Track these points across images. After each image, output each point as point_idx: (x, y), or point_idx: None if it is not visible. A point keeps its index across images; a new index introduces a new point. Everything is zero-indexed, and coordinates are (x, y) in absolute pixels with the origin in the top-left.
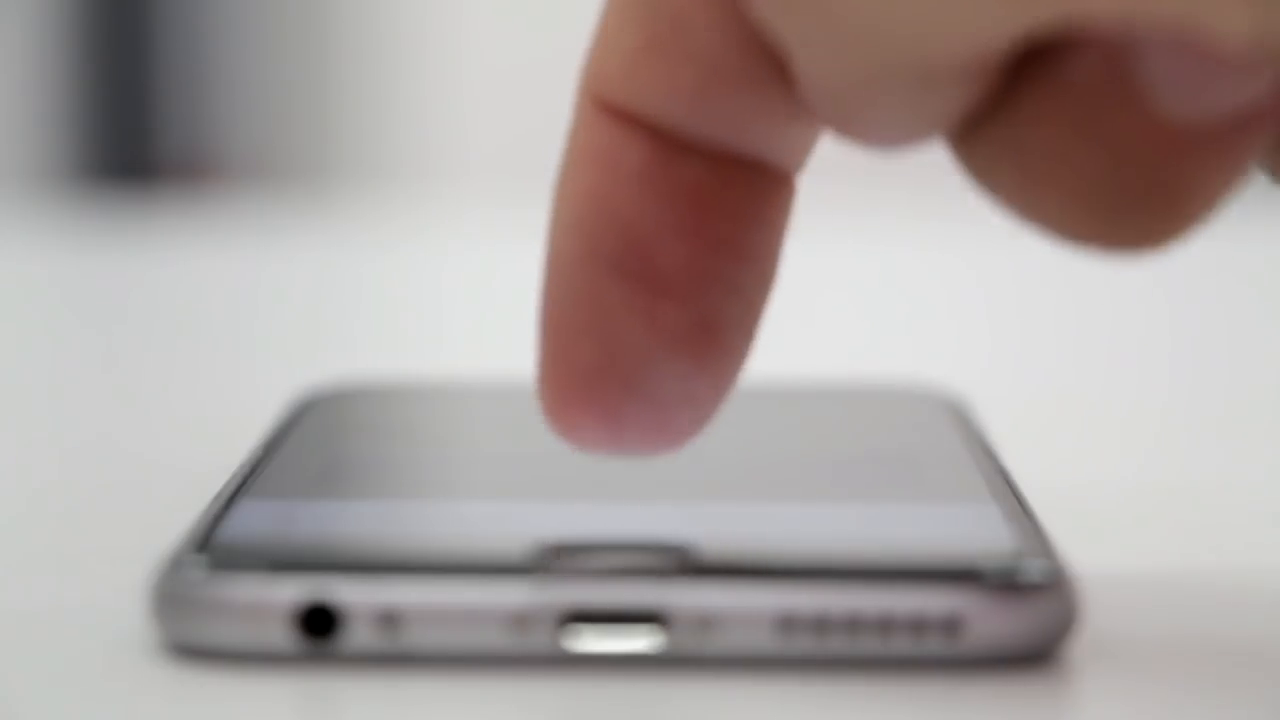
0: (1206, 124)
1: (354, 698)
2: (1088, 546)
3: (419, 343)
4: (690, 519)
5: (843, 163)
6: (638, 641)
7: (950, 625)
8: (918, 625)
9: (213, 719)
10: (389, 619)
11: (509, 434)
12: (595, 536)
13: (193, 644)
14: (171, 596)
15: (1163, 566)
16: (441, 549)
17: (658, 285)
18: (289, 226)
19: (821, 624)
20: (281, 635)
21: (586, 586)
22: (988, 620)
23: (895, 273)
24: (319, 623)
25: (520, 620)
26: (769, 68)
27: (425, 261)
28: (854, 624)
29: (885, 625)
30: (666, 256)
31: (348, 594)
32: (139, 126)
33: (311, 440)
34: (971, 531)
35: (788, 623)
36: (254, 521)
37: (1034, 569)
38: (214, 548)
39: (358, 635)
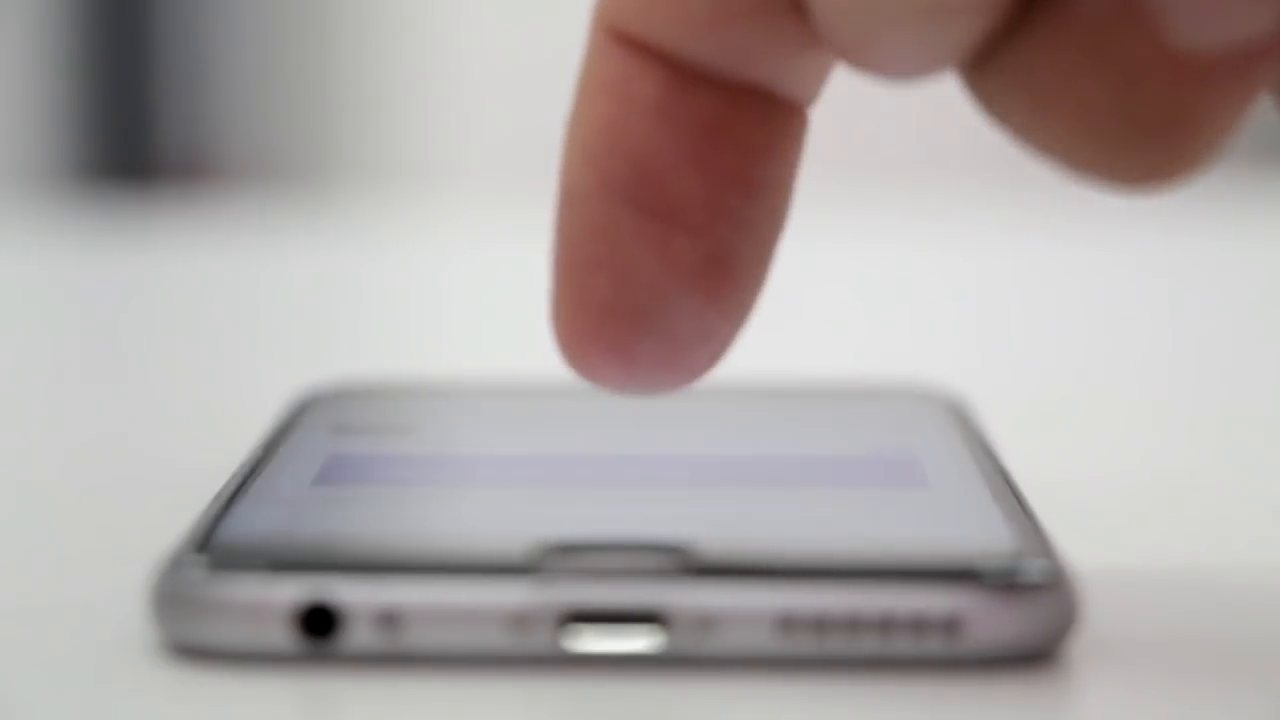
0: (1216, 55)
1: (354, 698)
2: (1088, 545)
3: (419, 343)
4: (690, 519)
5: (843, 163)
6: (638, 641)
7: (950, 625)
8: (918, 625)
9: (213, 719)
10: (389, 619)
11: (509, 434)
12: (595, 536)
13: (193, 644)
14: (171, 596)
15: (1163, 565)
16: (441, 549)
17: (671, 218)
18: (289, 226)
19: (821, 624)
20: (281, 635)
21: (586, 586)
22: (988, 620)
23: (895, 272)
24: (319, 623)
25: (520, 620)
26: None
27: (425, 261)
28: (854, 624)
29: (885, 625)
30: (680, 189)
31: (348, 594)
32: (139, 126)
33: (311, 440)
34: (971, 531)
35: (788, 623)
36: (254, 521)
37: (1034, 569)
38: (214, 548)
39: (358, 635)
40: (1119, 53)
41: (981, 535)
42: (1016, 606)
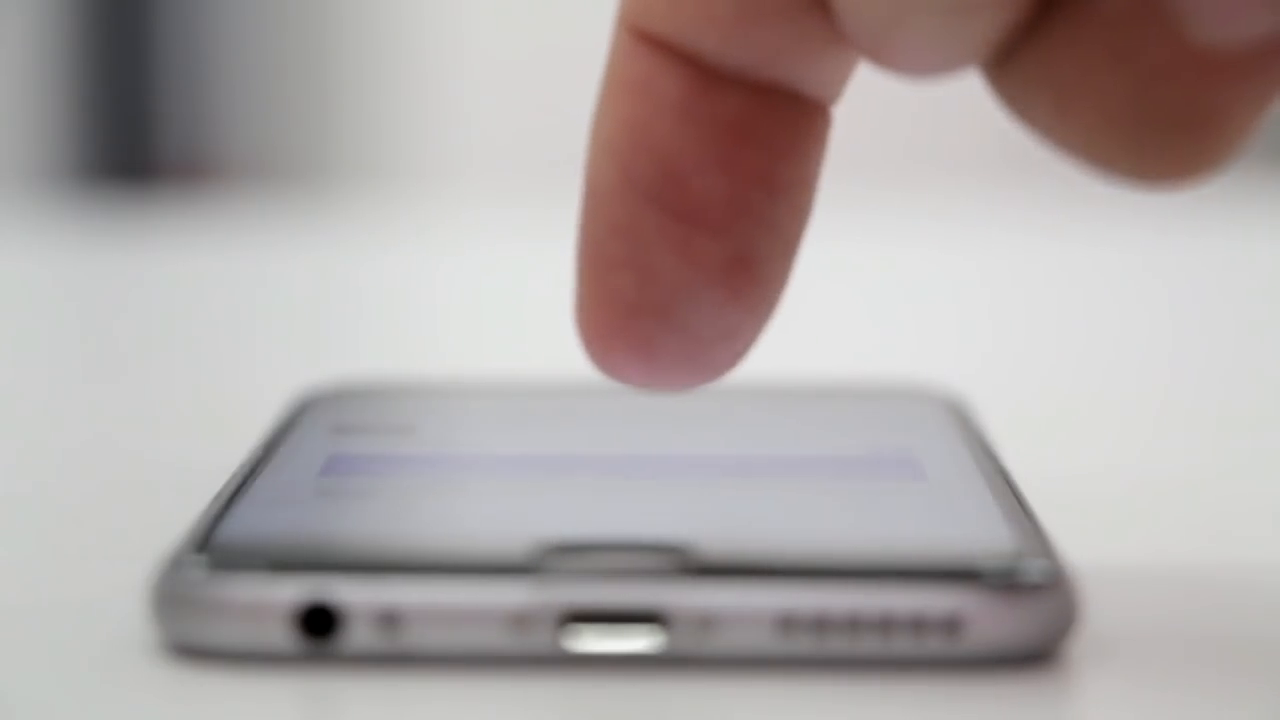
0: (1237, 51)
1: (354, 698)
2: (1088, 545)
3: (419, 343)
4: (690, 519)
5: (843, 163)
6: (638, 641)
7: (950, 625)
8: (918, 625)
9: (213, 719)
10: (389, 619)
11: (509, 433)
12: (595, 536)
13: (193, 644)
14: (171, 596)
15: (1163, 565)
16: (441, 549)
17: (693, 217)
18: (289, 226)
19: (821, 624)
20: (281, 635)
21: (586, 586)
22: (988, 620)
23: (895, 272)
24: (319, 623)
25: (520, 620)
26: None
27: (425, 261)
28: (854, 624)
29: (885, 625)
30: (702, 188)
31: (348, 594)
32: (139, 126)
33: (311, 440)
34: (971, 531)
35: (788, 623)
36: (254, 521)
37: (1034, 569)
38: (214, 548)
39: (358, 635)
40: (1140, 50)
41: (981, 535)
42: (1016, 606)
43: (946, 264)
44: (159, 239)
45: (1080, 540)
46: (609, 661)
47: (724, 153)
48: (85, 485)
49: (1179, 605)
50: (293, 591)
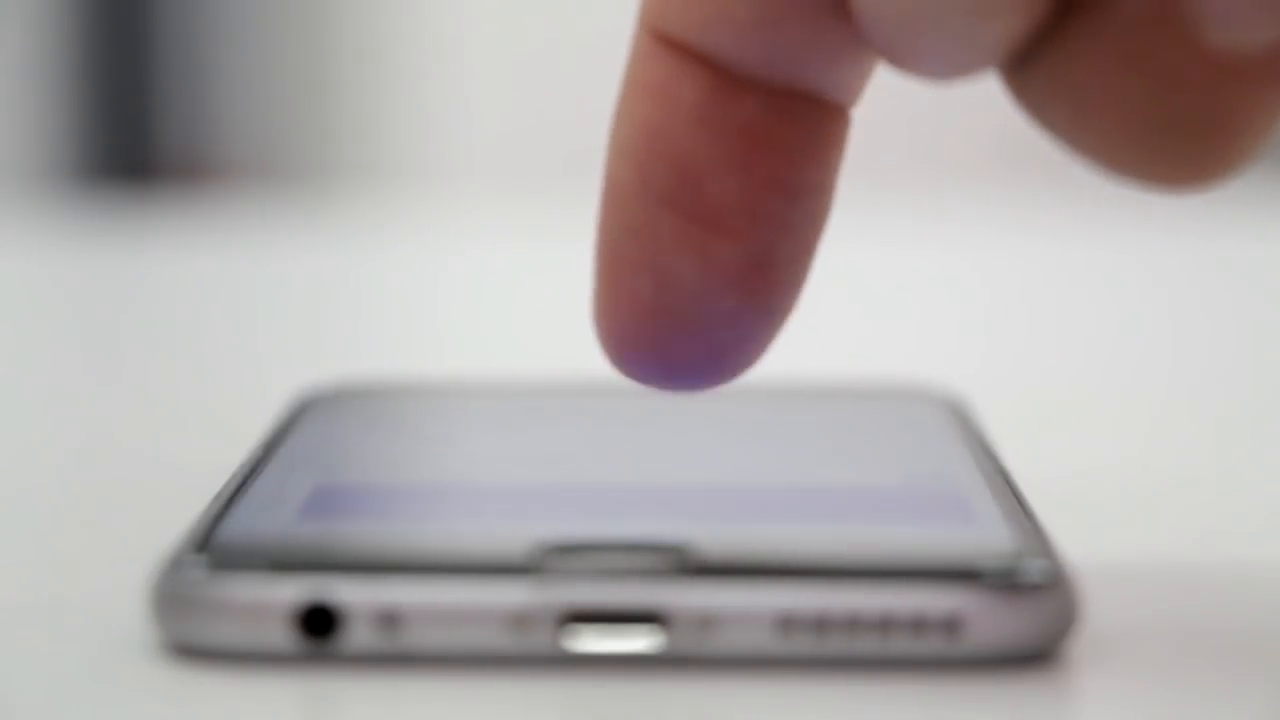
0: (1254, 55)
1: (354, 698)
2: (1088, 545)
3: (419, 343)
4: (690, 519)
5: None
6: (638, 641)
7: (950, 625)
8: (918, 625)
9: (213, 719)
10: (389, 619)
11: (509, 434)
12: (595, 536)
13: (193, 644)
14: (171, 596)
15: (1163, 565)
16: (441, 549)
17: (710, 221)
18: (289, 226)
19: (821, 624)
20: (281, 635)
21: (586, 586)
22: (988, 620)
23: (895, 272)
24: (319, 623)
25: (520, 620)
26: None
27: (425, 261)
28: (854, 624)
29: (885, 625)
30: (720, 192)
31: (348, 594)
32: (139, 126)
33: (311, 440)
34: (971, 531)
35: (788, 623)
36: (254, 521)
37: (1034, 569)
38: (214, 548)
39: (358, 635)
40: (1157, 54)
41: (981, 535)
42: (1016, 606)
43: (946, 264)
44: (159, 239)
45: (1080, 540)
46: (609, 661)
47: (742, 156)
48: (85, 485)
49: (1179, 605)
50: (293, 591)
